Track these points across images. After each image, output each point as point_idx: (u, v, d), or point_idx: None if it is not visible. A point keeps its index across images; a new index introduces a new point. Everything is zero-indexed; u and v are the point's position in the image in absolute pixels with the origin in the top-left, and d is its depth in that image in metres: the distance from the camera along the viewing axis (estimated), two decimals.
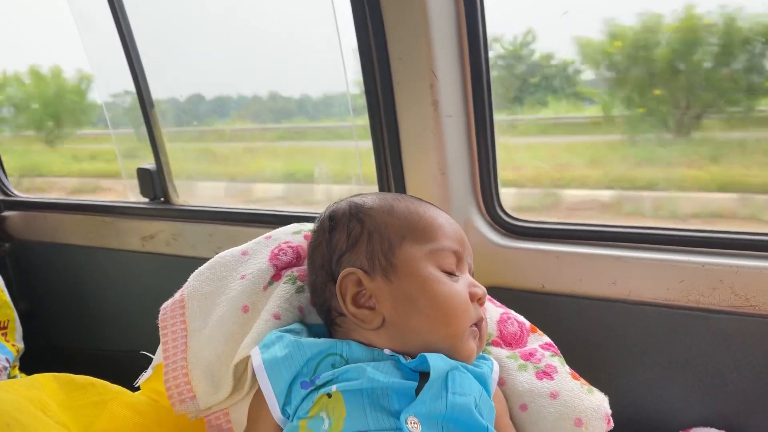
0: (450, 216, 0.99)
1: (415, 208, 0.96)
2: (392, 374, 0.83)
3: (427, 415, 0.80)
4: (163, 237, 1.99)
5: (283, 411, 0.86)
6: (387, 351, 0.87)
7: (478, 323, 0.92)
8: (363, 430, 0.78)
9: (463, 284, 0.91)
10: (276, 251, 1.08)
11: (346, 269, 0.91)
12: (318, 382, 0.84)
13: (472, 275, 0.97)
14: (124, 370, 1.21)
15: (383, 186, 1.52)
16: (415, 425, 0.79)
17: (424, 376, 0.84)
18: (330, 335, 0.97)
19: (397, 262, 0.90)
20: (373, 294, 0.89)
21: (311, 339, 0.89)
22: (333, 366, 0.85)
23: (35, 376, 1.00)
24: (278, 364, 0.86)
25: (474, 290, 0.91)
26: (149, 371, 1.15)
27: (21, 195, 2.44)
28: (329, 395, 0.81)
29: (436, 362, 0.83)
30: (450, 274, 0.91)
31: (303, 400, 0.84)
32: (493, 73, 1.39)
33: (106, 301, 2.26)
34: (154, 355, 1.16)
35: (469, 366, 0.89)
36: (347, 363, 0.85)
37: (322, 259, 0.96)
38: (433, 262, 0.90)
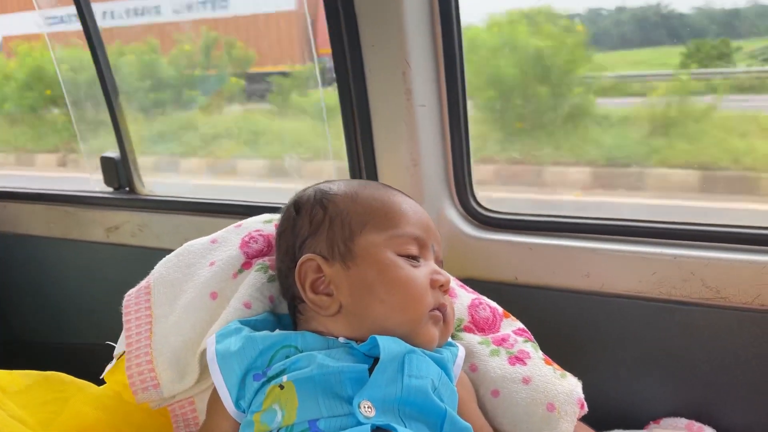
0: (422, 207, 0.98)
1: (379, 195, 0.94)
2: (344, 360, 0.82)
3: (381, 399, 0.78)
4: (129, 228, 1.95)
5: (237, 405, 0.85)
6: (341, 339, 0.86)
7: (441, 309, 0.89)
8: (316, 418, 0.77)
9: (425, 270, 0.89)
10: (247, 239, 1.05)
11: (305, 255, 0.89)
12: (270, 373, 0.82)
13: (441, 264, 0.96)
14: (90, 362, 1.17)
15: (355, 176, 1.50)
16: (369, 409, 0.77)
17: (378, 361, 0.82)
18: (294, 324, 0.95)
19: (356, 248, 0.88)
20: (332, 280, 0.88)
21: (265, 332, 0.87)
22: (287, 357, 0.83)
23: None
24: (231, 357, 0.84)
25: (436, 277, 0.89)
26: (114, 362, 1.12)
27: None
28: (281, 386, 0.79)
29: (387, 344, 0.81)
30: (411, 259, 0.89)
31: (256, 393, 0.82)
32: None
33: (69, 294, 2.20)
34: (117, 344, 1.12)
35: (428, 351, 0.87)
36: (301, 353, 0.84)
37: (286, 246, 0.95)
38: (393, 248, 0.88)
